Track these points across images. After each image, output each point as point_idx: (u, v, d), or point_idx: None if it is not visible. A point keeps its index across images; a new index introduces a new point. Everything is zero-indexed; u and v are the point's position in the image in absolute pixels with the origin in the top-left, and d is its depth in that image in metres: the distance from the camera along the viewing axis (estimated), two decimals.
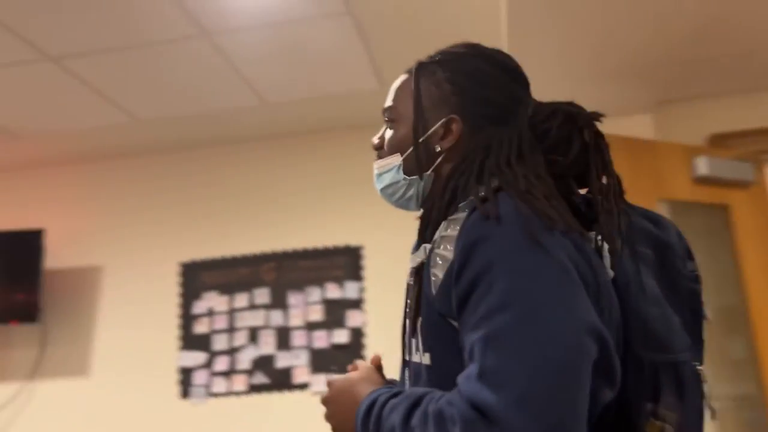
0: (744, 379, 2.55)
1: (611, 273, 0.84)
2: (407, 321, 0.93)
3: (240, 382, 3.01)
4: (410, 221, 1.04)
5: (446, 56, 0.99)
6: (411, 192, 0.99)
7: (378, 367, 1.01)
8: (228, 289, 3.15)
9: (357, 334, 2.99)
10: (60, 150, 3.23)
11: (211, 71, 2.54)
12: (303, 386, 2.96)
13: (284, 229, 3.15)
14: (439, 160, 0.95)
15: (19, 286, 3.05)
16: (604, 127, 0.93)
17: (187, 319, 3.14)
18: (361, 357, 2.89)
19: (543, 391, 0.66)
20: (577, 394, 0.68)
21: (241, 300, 3.11)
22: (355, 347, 2.97)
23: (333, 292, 3.05)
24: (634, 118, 2.84)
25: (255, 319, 3.08)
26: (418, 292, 0.87)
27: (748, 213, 2.60)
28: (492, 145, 0.91)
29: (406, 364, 0.95)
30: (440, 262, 0.82)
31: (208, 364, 3.06)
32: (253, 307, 3.10)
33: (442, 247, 0.83)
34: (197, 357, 3.08)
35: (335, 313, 3.02)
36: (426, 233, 0.91)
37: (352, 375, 0.96)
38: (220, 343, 3.09)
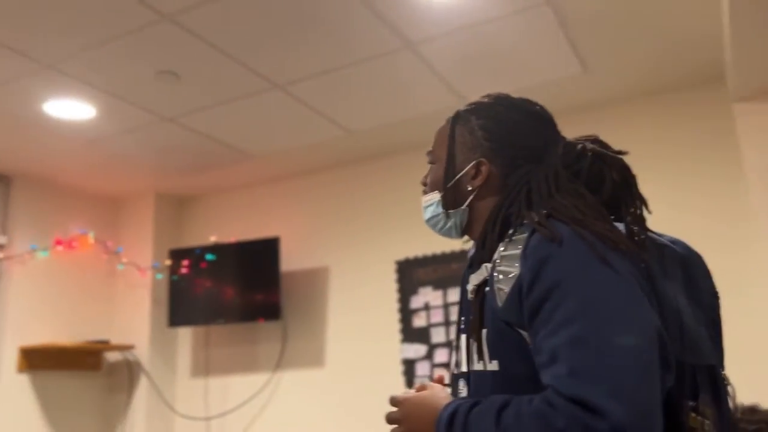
0: None
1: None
2: (467, 336, 1.03)
3: None
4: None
5: (480, 106, 1.13)
6: (450, 224, 1.13)
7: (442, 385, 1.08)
8: (441, 284, 3.29)
9: None
10: (287, 166, 3.62)
11: (415, 79, 2.68)
12: None
13: None
14: (472, 197, 1.09)
15: (261, 288, 3.48)
16: None
17: (406, 313, 3.34)
18: None
19: (633, 382, 0.77)
20: (656, 383, 0.79)
21: (455, 294, 3.23)
22: None
23: None
24: None
25: None
26: (481, 306, 0.98)
27: None
28: (531, 180, 1.02)
29: (461, 376, 1.05)
30: (505, 277, 0.93)
31: (428, 356, 3.23)
32: None
33: (504, 264, 0.94)
34: (418, 349, 3.26)
35: None
36: (483, 255, 1.02)
37: (423, 392, 1.03)
38: (437, 335, 3.24)
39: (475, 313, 0.99)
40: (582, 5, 2.25)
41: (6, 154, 3.25)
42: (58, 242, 3.60)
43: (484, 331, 0.97)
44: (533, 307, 0.86)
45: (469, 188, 1.09)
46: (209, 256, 3.59)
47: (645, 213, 1.02)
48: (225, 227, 3.88)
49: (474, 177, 1.08)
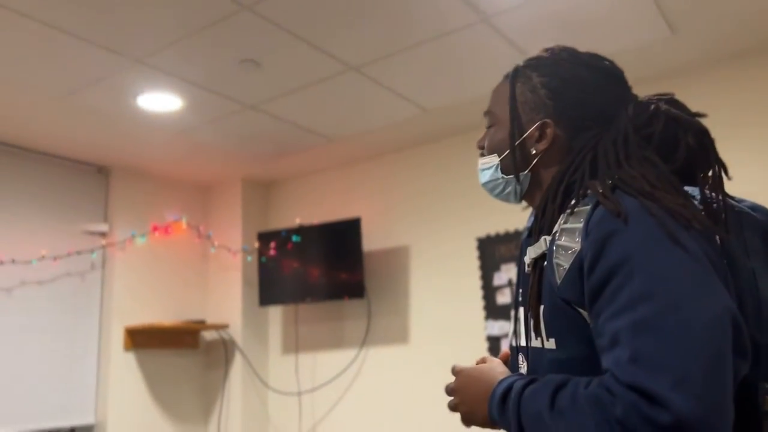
0: None
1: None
2: (525, 309, 0.97)
3: None
4: None
5: (542, 61, 1.04)
6: (509, 189, 1.06)
7: (505, 362, 1.03)
8: None
9: None
10: (366, 147, 3.67)
11: (491, 53, 2.63)
12: None
13: None
14: (535, 161, 1.02)
15: (345, 267, 3.56)
16: None
17: (489, 290, 3.32)
18: None
19: (701, 372, 0.70)
20: (727, 372, 0.73)
21: None
22: None
23: None
24: None
25: None
26: (539, 281, 0.92)
27: None
28: (598, 145, 0.94)
29: (520, 350, 1.00)
30: (565, 252, 0.87)
31: None
32: None
33: (564, 238, 0.88)
34: (503, 326, 3.25)
35: None
36: (543, 226, 0.95)
37: (481, 365, 1.00)
38: None
39: (533, 289, 0.94)
40: None
41: (104, 148, 3.47)
42: (155, 228, 3.82)
43: (542, 307, 0.92)
44: (595, 288, 0.81)
45: (533, 152, 1.02)
46: (295, 238, 3.70)
47: (724, 179, 0.93)
48: (309, 209, 3.99)
49: (538, 140, 1.01)
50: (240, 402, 3.78)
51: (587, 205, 0.88)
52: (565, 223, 0.90)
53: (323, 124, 3.31)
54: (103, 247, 3.62)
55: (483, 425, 0.97)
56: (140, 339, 3.61)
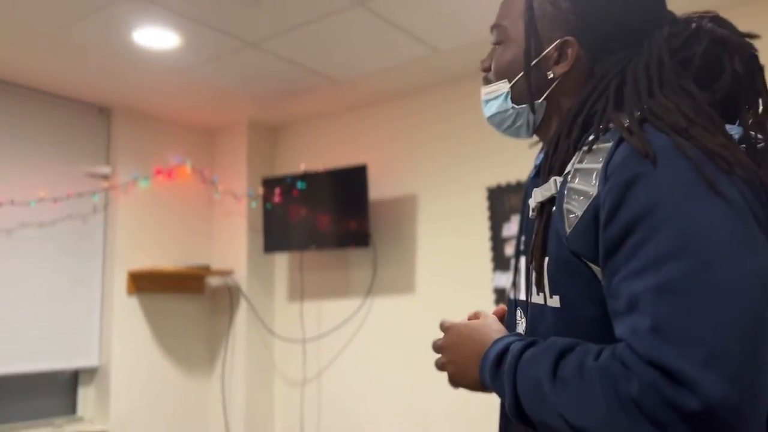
0: None
1: None
2: (526, 259, 0.84)
3: None
4: None
5: None
6: (521, 121, 0.92)
7: (501, 319, 0.93)
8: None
9: None
10: (374, 90, 3.51)
11: None
12: None
13: None
14: (552, 87, 0.86)
15: (351, 216, 3.46)
16: None
17: (498, 241, 3.22)
18: None
19: (734, 348, 0.59)
20: (765, 348, 0.60)
21: None
22: None
23: None
24: None
25: None
26: (545, 228, 0.80)
27: None
28: (626, 70, 0.80)
29: (519, 304, 0.90)
30: (578, 197, 0.74)
31: None
32: None
33: (578, 180, 0.74)
34: (511, 278, 3.15)
35: None
36: (554, 164, 0.82)
37: (473, 321, 0.89)
38: None
39: (537, 237, 0.81)
40: None
41: (104, 88, 3.35)
42: (158, 172, 3.74)
43: (546, 259, 0.80)
44: (613, 240, 0.69)
45: (551, 75, 0.86)
46: (300, 185, 3.60)
47: None
48: (316, 154, 3.87)
49: (557, 61, 0.86)
50: (245, 348, 3.76)
51: (609, 141, 0.74)
52: (580, 162, 0.77)
53: (328, 65, 3.16)
54: (106, 190, 3.55)
55: (473, 389, 0.87)
56: (144, 283, 3.57)
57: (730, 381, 0.58)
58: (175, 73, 3.18)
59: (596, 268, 0.73)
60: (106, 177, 3.58)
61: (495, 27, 0.95)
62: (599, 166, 0.73)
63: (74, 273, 3.40)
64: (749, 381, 0.59)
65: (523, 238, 0.94)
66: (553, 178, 0.81)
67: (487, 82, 0.96)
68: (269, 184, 3.73)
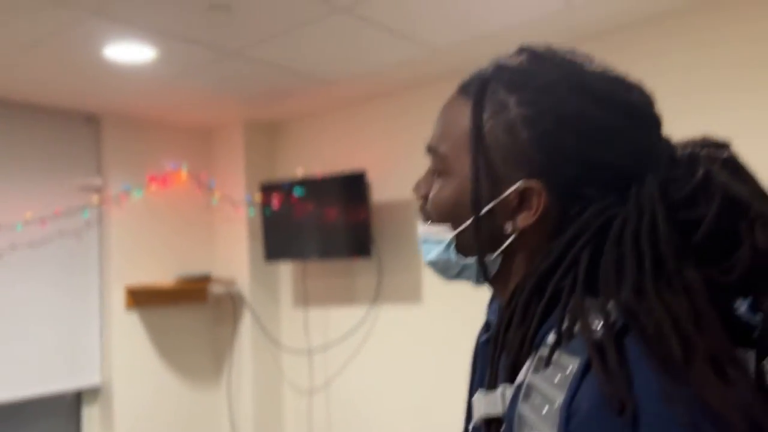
0: None
1: None
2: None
3: None
4: None
5: (524, 75, 0.64)
6: (469, 273, 0.70)
7: None
8: None
9: None
10: (370, 87, 3.27)
11: None
12: None
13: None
14: (511, 240, 0.65)
15: (352, 224, 3.27)
16: None
17: None
18: None
19: None
20: None
21: None
22: None
23: None
24: None
25: None
26: None
27: None
28: (608, 232, 0.58)
29: None
30: None
31: None
32: None
33: (530, 408, 0.55)
34: None
35: None
36: (501, 361, 0.61)
37: None
38: None
39: None
40: None
41: (89, 96, 3.19)
42: (152, 179, 3.59)
43: None
44: None
45: (508, 229, 0.65)
46: (298, 191, 3.42)
47: None
48: (316, 153, 3.68)
49: (517, 209, 0.65)
50: (250, 358, 3.66)
51: (575, 355, 0.54)
52: (535, 371, 0.57)
53: (317, 67, 2.94)
54: (98, 204, 3.42)
55: None
56: (142, 297, 3.47)
57: None
58: (155, 83, 3.00)
59: None
60: (98, 189, 3.45)
61: (430, 150, 0.73)
62: (559, 400, 0.53)
63: (71, 291, 3.31)
64: None
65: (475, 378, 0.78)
66: (500, 390, 0.61)
67: (425, 215, 0.74)
68: (267, 189, 3.56)
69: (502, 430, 0.59)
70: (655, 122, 0.64)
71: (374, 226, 3.30)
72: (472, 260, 0.69)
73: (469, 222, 0.68)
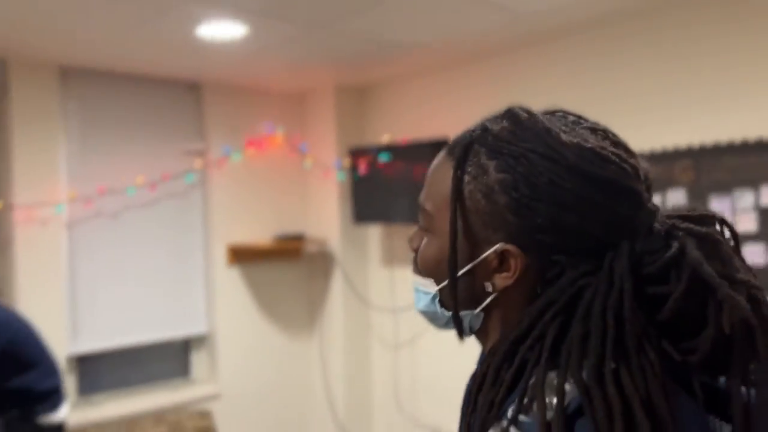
0: None
1: None
2: None
3: None
4: None
5: (504, 142, 0.66)
6: (452, 325, 0.73)
7: None
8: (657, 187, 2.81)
9: None
10: (459, 52, 3.24)
11: None
12: None
13: (702, 119, 2.57)
14: (491, 299, 0.68)
15: None
16: None
17: None
18: None
19: None
20: None
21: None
22: None
23: None
24: None
25: None
26: None
27: None
28: (575, 306, 0.60)
29: None
30: None
31: None
32: None
33: None
34: None
35: None
36: (473, 419, 0.64)
37: None
38: None
39: None
40: None
41: (192, 67, 3.38)
42: (250, 143, 3.78)
43: None
44: None
45: (488, 289, 0.68)
46: (385, 156, 3.50)
47: None
48: (402, 119, 3.72)
49: (497, 269, 0.67)
50: (341, 313, 3.86)
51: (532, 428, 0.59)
52: None
53: (403, 36, 2.94)
54: (201, 168, 3.67)
55: None
56: (242, 255, 3.73)
57: None
58: (248, 53, 3.12)
59: None
60: (200, 153, 3.68)
61: (419, 206, 0.76)
62: None
63: (178, 249, 3.61)
64: None
65: None
66: None
67: (415, 268, 0.78)
68: (355, 154, 3.66)
69: None
70: (631, 194, 0.64)
71: None
72: (461, 314, 0.73)
73: (447, 282, 0.71)
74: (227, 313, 3.70)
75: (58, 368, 2.70)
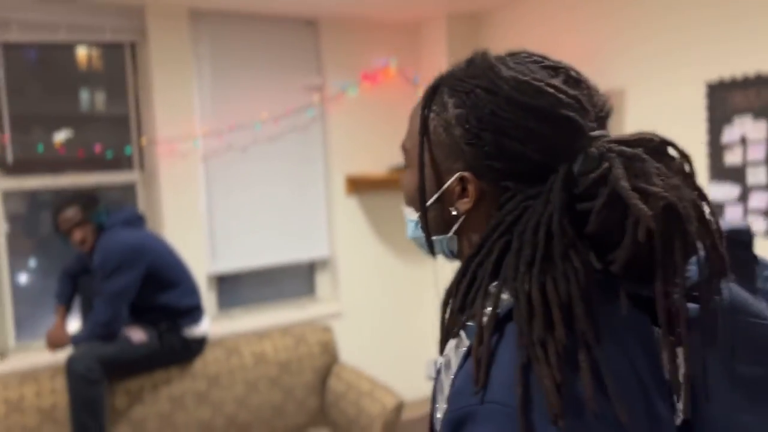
0: None
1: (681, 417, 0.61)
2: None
3: None
4: None
5: (459, 81, 0.74)
6: (437, 249, 0.82)
7: None
8: (766, 112, 2.61)
9: None
10: None
11: None
12: None
13: None
14: (460, 222, 0.76)
15: None
16: None
17: (716, 147, 2.80)
18: None
19: None
20: None
21: None
22: None
23: None
24: None
25: None
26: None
27: None
28: (517, 224, 0.68)
29: None
30: (439, 405, 0.69)
31: (742, 198, 2.72)
32: None
33: (441, 380, 0.69)
34: (730, 190, 2.77)
35: None
36: (442, 333, 0.74)
37: None
38: (756, 176, 2.67)
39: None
40: None
41: (306, 3, 3.51)
42: (365, 77, 3.90)
43: None
44: None
45: (453, 212, 0.76)
46: None
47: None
48: (522, 46, 3.63)
49: (460, 196, 0.75)
50: None
51: (471, 337, 0.67)
52: (449, 354, 0.71)
53: None
54: (319, 103, 3.85)
55: None
56: (360, 184, 3.92)
57: None
58: None
59: None
60: (318, 88, 3.86)
61: (403, 144, 0.84)
62: (452, 376, 0.66)
63: (301, 180, 3.87)
64: None
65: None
66: (436, 359, 0.76)
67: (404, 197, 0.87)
68: None
69: (432, 391, 0.76)
70: (566, 122, 0.68)
71: None
72: (437, 238, 0.81)
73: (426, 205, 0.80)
74: (346, 238, 3.95)
75: (197, 289, 3.08)
